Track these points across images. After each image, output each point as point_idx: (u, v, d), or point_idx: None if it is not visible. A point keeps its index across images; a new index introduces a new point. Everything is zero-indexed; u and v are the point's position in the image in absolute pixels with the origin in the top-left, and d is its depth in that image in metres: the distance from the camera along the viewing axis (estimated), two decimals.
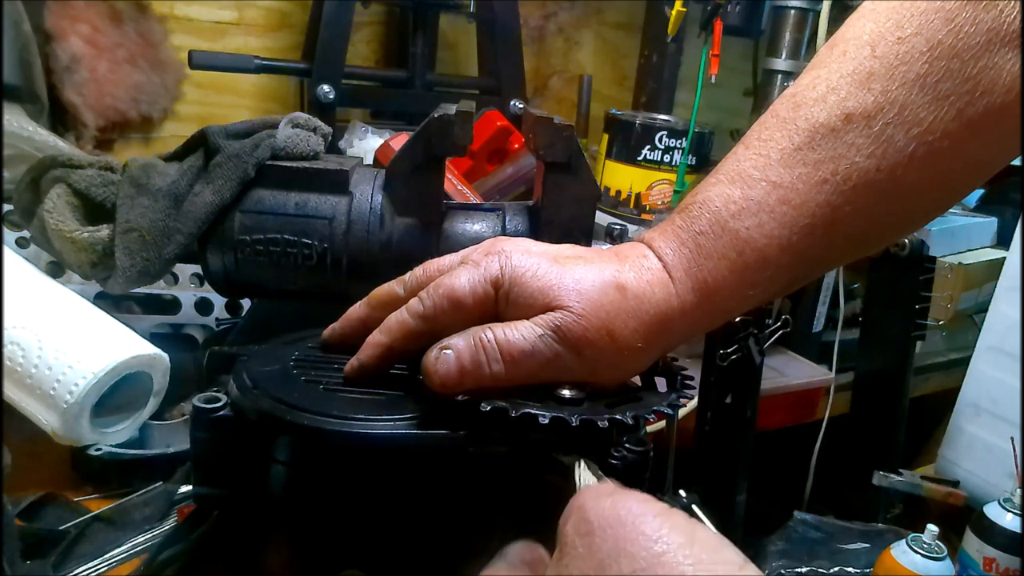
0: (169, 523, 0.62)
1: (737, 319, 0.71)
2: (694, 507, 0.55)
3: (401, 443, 0.36)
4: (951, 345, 1.20)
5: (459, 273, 0.39)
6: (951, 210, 1.21)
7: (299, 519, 0.38)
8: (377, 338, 0.40)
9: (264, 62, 1.10)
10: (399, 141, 0.88)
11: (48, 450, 0.63)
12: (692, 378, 0.42)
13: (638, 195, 1.16)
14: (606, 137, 1.20)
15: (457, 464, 0.37)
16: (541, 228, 0.59)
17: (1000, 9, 0.36)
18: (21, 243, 0.77)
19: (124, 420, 0.59)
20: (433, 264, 0.43)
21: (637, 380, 0.43)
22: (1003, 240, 1.25)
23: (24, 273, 0.61)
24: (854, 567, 0.81)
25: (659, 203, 1.16)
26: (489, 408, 0.35)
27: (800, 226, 0.38)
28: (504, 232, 0.60)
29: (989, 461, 1.00)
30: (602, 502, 0.28)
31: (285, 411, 0.36)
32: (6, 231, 0.76)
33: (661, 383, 0.43)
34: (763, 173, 0.39)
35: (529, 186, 1.03)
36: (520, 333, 0.37)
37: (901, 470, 0.94)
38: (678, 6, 1.13)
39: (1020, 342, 0.96)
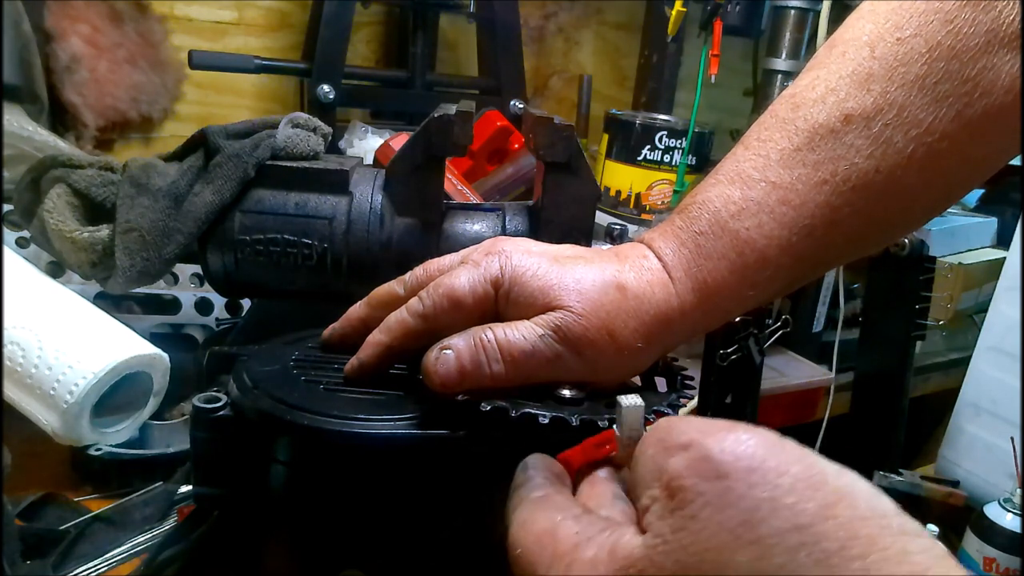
0: (169, 523, 0.62)
1: (737, 319, 0.71)
2: None
3: (401, 443, 0.36)
4: (951, 345, 1.20)
5: (459, 273, 0.39)
6: (951, 210, 1.21)
7: (299, 519, 0.38)
8: (377, 337, 0.40)
9: (264, 62, 1.10)
10: (399, 141, 0.88)
11: (48, 450, 0.63)
12: (692, 378, 0.42)
13: (638, 195, 1.16)
14: (606, 137, 1.20)
15: (457, 464, 0.37)
16: (541, 228, 0.59)
17: (999, 11, 0.36)
18: (21, 243, 0.77)
19: (124, 420, 0.59)
20: (433, 264, 0.43)
21: (637, 380, 0.43)
22: (1003, 240, 1.25)
23: (24, 273, 0.61)
24: None
25: (659, 203, 1.16)
26: (489, 408, 0.35)
27: (800, 226, 0.38)
28: (504, 232, 0.60)
29: (989, 461, 1.00)
30: (726, 440, 0.24)
31: (285, 411, 0.36)
32: (6, 231, 0.76)
33: (661, 383, 0.43)
34: (762, 174, 0.39)
35: (529, 186, 1.03)
36: (520, 333, 0.37)
37: (901, 470, 0.94)
38: (678, 6, 1.13)
39: (1020, 342, 0.96)
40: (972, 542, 0.80)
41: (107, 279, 0.60)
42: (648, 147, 1.14)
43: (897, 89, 0.37)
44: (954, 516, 0.91)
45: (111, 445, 0.64)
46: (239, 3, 1.22)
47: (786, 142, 0.39)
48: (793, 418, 0.98)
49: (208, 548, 0.42)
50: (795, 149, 0.39)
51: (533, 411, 0.34)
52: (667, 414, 0.38)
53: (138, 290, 0.68)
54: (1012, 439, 0.91)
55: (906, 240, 0.89)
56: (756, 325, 0.75)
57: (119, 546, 0.60)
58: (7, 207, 0.73)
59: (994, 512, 0.79)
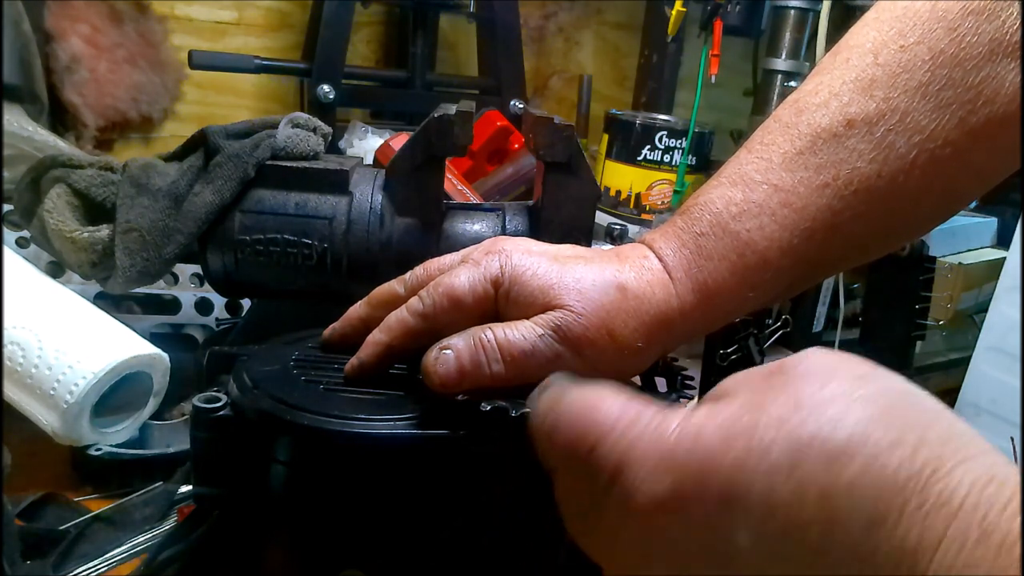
0: (169, 523, 0.62)
1: (737, 319, 0.71)
2: None
3: (401, 443, 0.36)
4: (951, 345, 1.20)
5: (459, 272, 0.39)
6: None
7: (299, 519, 0.38)
8: (377, 337, 0.40)
9: (264, 62, 1.10)
10: (399, 141, 0.88)
11: (48, 450, 0.62)
12: (692, 378, 0.43)
13: (638, 195, 1.16)
14: (606, 137, 1.20)
15: (457, 464, 0.37)
16: (541, 228, 0.59)
17: (1002, 20, 0.36)
18: (21, 243, 0.77)
19: (124, 420, 0.59)
20: (434, 263, 0.43)
21: (637, 380, 0.43)
22: (1003, 240, 1.25)
23: (24, 273, 0.61)
24: None
25: (659, 203, 1.16)
26: (489, 408, 0.35)
27: (801, 229, 0.38)
28: (504, 232, 0.60)
29: None
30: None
31: (285, 411, 0.36)
32: (6, 231, 0.76)
33: (661, 383, 0.43)
34: (765, 176, 0.39)
35: (529, 186, 1.03)
36: (520, 333, 0.37)
37: None
38: (678, 6, 1.13)
39: (1020, 342, 0.96)
40: None
41: (107, 279, 0.60)
42: (648, 147, 1.14)
43: (900, 95, 0.37)
44: None
45: (111, 445, 0.64)
46: (239, 3, 1.22)
47: (788, 145, 0.39)
48: None
49: (208, 548, 0.42)
50: (797, 152, 0.39)
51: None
52: None
53: (138, 290, 0.68)
54: (1012, 439, 0.91)
55: None
56: (756, 325, 0.75)
57: (119, 546, 0.59)
58: (7, 207, 0.73)
59: None
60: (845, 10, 1.05)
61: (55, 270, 0.75)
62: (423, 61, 1.20)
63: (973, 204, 1.32)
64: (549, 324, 0.37)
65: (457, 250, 0.43)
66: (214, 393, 0.39)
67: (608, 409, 0.26)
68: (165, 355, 0.59)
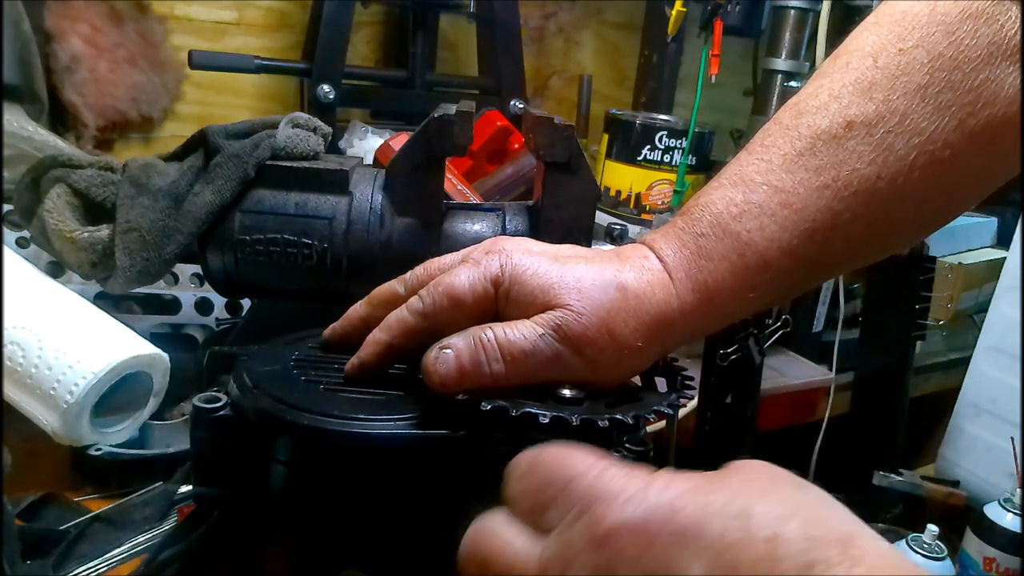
0: (169, 523, 0.62)
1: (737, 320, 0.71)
2: None
3: (401, 443, 0.36)
4: (951, 345, 1.20)
5: (459, 271, 0.39)
6: None
7: (299, 519, 0.38)
8: (377, 336, 0.40)
9: (264, 62, 1.10)
10: (399, 141, 0.88)
11: (48, 450, 0.63)
12: (692, 378, 0.42)
13: (638, 195, 1.16)
14: (606, 137, 1.20)
15: (457, 464, 0.37)
16: (541, 228, 0.59)
17: (1001, 24, 0.36)
18: (21, 243, 0.77)
19: (124, 420, 0.59)
20: (434, 263, 0.43)
21: (637, 380, 0.43)
22: (1003, 240, 1.25)
23: (24, 273, 0.61)
24: None
25: (659, 203, 1.16)
26: (489, 407, 0.35)
27: (801, 230, 0.38)
28: (504, 232, 0.60)
29: (989, 461, 1.00)
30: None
31: (285, 411, 0.36)
32: (6, 231, 0.76)
33: (661, 383, 0.43)
34: (765, 177, 0.39)
35: (529, 186, 1.03)
36: (520, 332, 0.37)
37: (901, 470, 0.94)
38: (678, 6, 1.13)
39: (1020, 342, 0.96)
40: (972, 542, 0.80)
41: (107, 279, 0.60)
42: (648, 147, 1.14)
43: (899, 98, 0.37)
44: (954, 516, 0.91)
45: (111, 445, 0.64)
46: (239, 3, 1.22)
47: (789, 147, 0.39)
48: (793, 418, 0.98)
49: (208, 548, 0.42)
50: (798, 154, 0.39)
51: (533, 410, 0.34)
52: (667, 414, 0.38)
53: (138, 290, 0.68)
54: (1012, 439, 0.91)
55: None
56: (756, 325, 0.75)
57: (119, 546, 0.60)
58: (7, 207, 0.73)
59: (994, 512, 0.79)
60: (845, 10, 1.05)
61: (55, 270, 0.75)
62: (423, 61, 1.20)
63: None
64: (549, 323, 0.37)
65: (457, 250, 0.43)
66: (214, 393, 0.39)
67: (585, 455, 0.29)
68: (165, 355, 0.59)
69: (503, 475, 0.31)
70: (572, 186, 0.58)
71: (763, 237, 0.38)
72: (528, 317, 0.37)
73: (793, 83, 1.14)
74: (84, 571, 0.57)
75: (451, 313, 0.39)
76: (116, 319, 0.61)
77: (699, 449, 0.78)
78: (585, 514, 0.26)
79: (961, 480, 1.01)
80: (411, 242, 0.59)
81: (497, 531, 0.29)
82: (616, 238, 0.71)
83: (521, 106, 1.22)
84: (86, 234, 0.58)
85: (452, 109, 0.57)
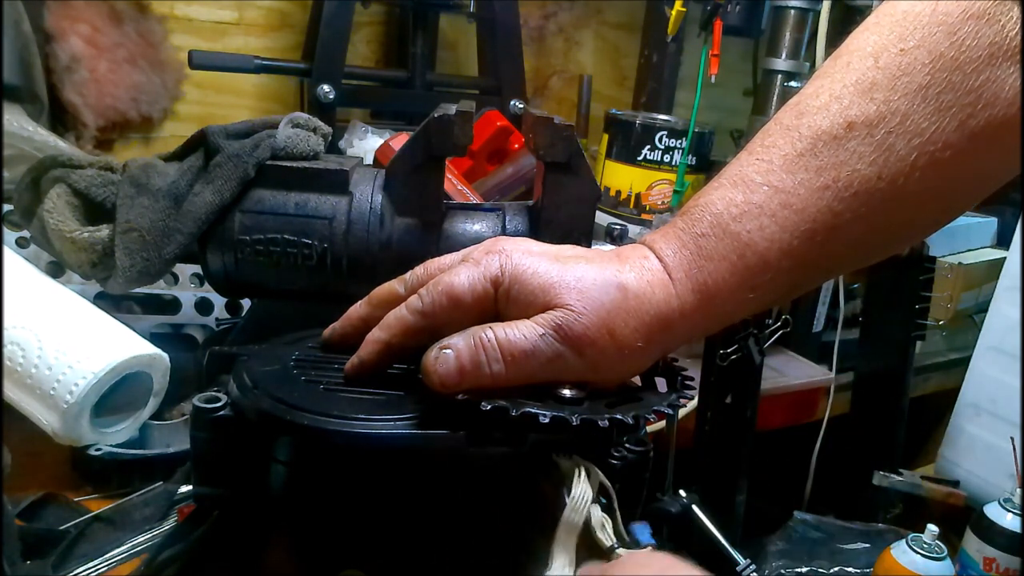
0: (169, 523, 0.62)
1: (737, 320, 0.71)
2: (694, 507, 0.55)
3: (401, 443, 0.36)
4: (951, 345, 1.20)
5: (459, 271, 0.39)
6: None
7: (299, 519, 0.38)
8: (376, 335, 0.40)
9: (264, 62, 1.10)
10: (399, 141, 0.88)
11: (48, 450, 0.62)
12: (692, 378, 0.42)
13: (638, 195, 1.16)
14: (606, 137, 1.20)
15: (457, 464, 0.37)
16: (541, 228, 0.59)
17: (1002, 24, 0.36)
18: (21, 243, 0.77)
19: (124, 420, 0.59)
20: (434, 263, 0.43)
21: (637, 380, 0.43)
22: (1003, 240, 1.25)
23: (24, 273, 0.61)
24: (854, 567, 0.81)
25: (659, 203, 1.16)
26: (489, 407, 0.35)
27: (801, 230, 0.38)
28: (504, 232, 0.60)
29: (989, 461, 1.00)
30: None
31: (285, 411, 0.36)
32: (6, 231, 0.76)
33: (661, 383, 0.43)
34: (765, 178, 0.39)
35: (529, 186, 1.03)
36: (521, 332, 0.37)
37: (901, 470, 0.94)
38: (678, 6, 1.13)
39: (1020, 342, 0.96)
40: (972, 542, 0.80)
41: (107, 279, 0.60)
42: (648, 147, 1.14)
43: (900, 98, 0.37)
44: (954, 516, 0.91)
45: (111, 445, 0.64)
46: (239, 3, 1.22)
47: (789, 147, 0.39)
48: (793, 418, 0.98)
49: (208, 548, 0.42)
50: (798, 154, 0.39)
51: (533, 410, 0.34)
52: (667, 414, 0.38)
53: (138, 290, 0.68)
54: (1012, 439, 0.91)
55: None
56: (756, 325, 0.75)
57: (119, 546, 0.59)
58: (7, 207, 0.73)
59: (994, 512, 0.79)
60: (845, 10, 1.06)
61: (55, 270, 0.75)
62: (423, 61, 1.20)
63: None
64: (550, 323, 0.37)
65: (457, 250, 0.43)
66: (214, 393, 0.39)
67: None
68: (165, 355, 0.59)
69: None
70: (572, 186, 0.58)
71: (763, 238, 0.38)
72: (528, 317, 0.37)
73: (793, 83, 1.14)
74: (84, 571, 0.57)
75: (450, 312, 0.39)
76: (116, 319, 0.61)
77: (699, 449, 0.78)
78: None
79: (961, 480, 1.01)
80: (411, 242, 0.59)
81: None
82: (616, 238, 0.71)
83: (521, 106, 1.22)
84: (86, 234, 0.58)
85: (452, 109, 0.57)
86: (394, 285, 0.43)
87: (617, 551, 0.34)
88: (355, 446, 0.36)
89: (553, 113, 0.58)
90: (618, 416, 0.36)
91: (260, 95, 1.28)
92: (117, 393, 0.56)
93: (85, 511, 0.62)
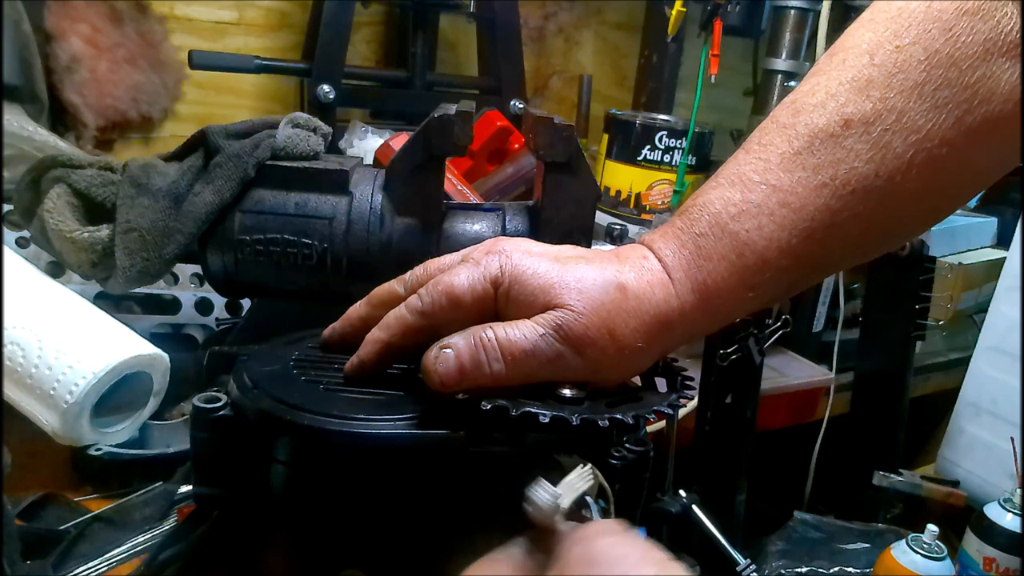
0: (169, 523, 0.62)
1: (737, 320, 0.71)
2: (694, 507, 0.55)
3: (401, 443, 0.36)
4: (951, 345, 1.20)
5: (459, 271, 0.39)
6: None
7: (299, 519, 0.38)
8: (376, 335, 0.40)
9: (264, 62, 1.10)
10: (399, 141, 0.88)
11: (48, 450, 0.63)
12: (692, 378, 0.42)
13: (638, 195, 1.16)
14: (606, 137, 1.20)
15: (457, 464, 0.37)
16: (541, 228, 0.59)
17: (997, 20, 0.36)
18: (21, 243, 0.77)
19: (124, 420, 0.59)
20: (434, 263, 0.43)
21: (637, 380, 0.43)
22: (1003, 240, 1.25)
23: (24, 273, 0.61)
24: (854, 567, 0.81)
25: (659, 203, 1.16)
26: (489, 407, 0.35)
27: (799, 229, 0.38)
28: (504, 232, 0.60)
29: (989, 461, 1.00)
30: (605, 539, 0.29)
31: (285, 411, 0.36)
32: (6, 231, 0.76)
33: (661, 383, 0.43)
34: (763, 176, 0.39)
35: (529, 186, 1.03)
36: (521, 332, 0.37)
37: (901, 470, 0.94)
38: (678, 6, 1.13)
39: (1020, 342, 0.96)
40: (972, 542, 0.80)
41: (107, 279, 0.60)
42: (648, 147, 1.14)
43: (896, 95, 0.37)
44: (954, 516, 0.91)
45: (111, 445, 0.64)
46: (239, 3, 1.22)
47: (786, 146, 0.39)
48: (793, 418, 0.98)
49: (208, 548, 0.42)
50: (795, 153, 0.39)
51: (533, 410, 0.34)
52: (667, 414, 0.38)
53: (138, 290, 0.68)
54: (1012, 439, 0.91)
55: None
56: (756, 325, 0.75)
57: (119, 546, 0.60)
58: (7, 207, 0.73)
59: (994, 512, 0.79)
60: (845, 10, 1.05)
61: (55, 270, 0.75)
62: (423, 61, 1.20)
63: (973, 204, 1.32)
64: (550, 323, 0.37)
65: (457, 250, 0.43)
66: (214, 393, 0.39)
67: None
68: (165, 355, 0.59)
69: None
70: (572, 186, 0.58)
71: (762, 236, 0.38)
72: (528, 317, 0.37)
73: (793, 83, 1.14)
74: (84, 571, 0.57)
75: (450, 312, 0.39)
76: (116, 319, 0.61)
77: (699, 449, 0.78)
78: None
79: (961, 480, 1.01)
80: (411, 242, 0.59)
81: None
82: (616, 238, 0.71)
83: (521, 106, 1.22)
84: (86, 234, 0.58)
85: (452, 109, 0.57)
86: (394, 285, 0.43)
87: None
88: (355, 446, 0.36)
89: (553, 113, 0.58)
90: (618, 416, 0.36)
91: (260, 95, 1.28)
92: (117, 393, 0.56)
93: (85, 511, 0.62)
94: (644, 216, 1.15)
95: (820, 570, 0.81)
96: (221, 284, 0.61)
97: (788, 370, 0.97)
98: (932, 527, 0.74)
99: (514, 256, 0.39)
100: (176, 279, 0.86)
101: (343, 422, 0.36)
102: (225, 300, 0.87)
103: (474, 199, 0.89)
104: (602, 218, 1.06)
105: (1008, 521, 0.78)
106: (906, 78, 0.37)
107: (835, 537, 0.85)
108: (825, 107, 0.39)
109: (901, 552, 0.74)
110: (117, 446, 0.64)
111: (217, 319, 0.87)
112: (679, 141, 1.13)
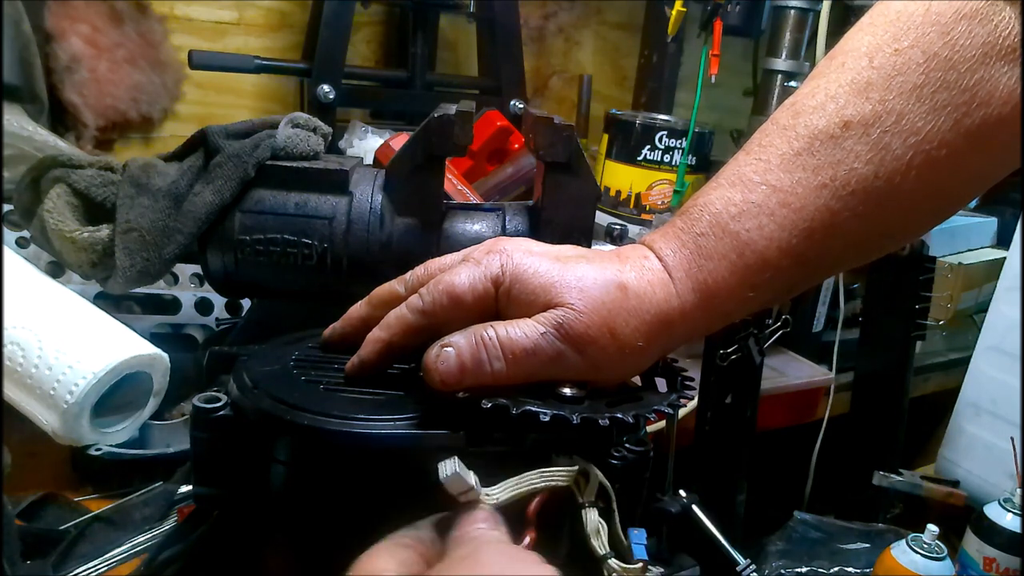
0: (169, 523, 0.62)
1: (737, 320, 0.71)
2: (694, 507, 0.55)
3: (401, 443, 0.36)
4: (951, 345, 1.20)
5: (459, 270, 0.39)
6: None
7: (299, 519, 0.38)
8: (377, 334, 0.40)
9: (264, 62, 1.10)
10: (399, 141, 0.88)
11: (48, 450, 0.63)
12: (692, 378, 0.42)
13: (638, 195, 1.16)
14: (606, 137, 1.20)
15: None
16: (541, 228, 0.59)
17: (995, 24, 0.37)
18: (21, 243, 0.77)
19: (124, 420, 0.59)
20: (435, 263, 0.43)
21: (637, 380, 0.43)
22: (1003, 240, 1.25)
23: (24, 273, 0.61)
24: (854, 567, 0.81)
25: (659, 203, 1.16)
26: (490, 405, 0.35)
27: (800, 229, 0.39)
28: (504, 232, 0.60)
29: (989, 461, 1.00)
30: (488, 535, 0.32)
31: (285, 411, 0.36)
32: (6, 231, 0.76)
33: (661, 383, 0.43)
34: (763, 177, 0.39)
35: (529, 186, 1.03)
36: (522, 331, 0.37)
37: (901, 470, 0.94)
38: (678, 6, 1.13)
39: (1020, 342, 0.96)
40: (972, 542, 0.80)
41: (107, 279, 0.60)
42: (648, 147, 1.14)
43: (895, 97, 0.38)
44: (954, 516, 0.91)
45: (111, 445, 0.64)
46: (239, 3, 1.22)
47: (786, 147, 0.39)
48: (793, 418, 0.98)
49: (208, 548, 0.42)
50: (795, 154, 0.39)
51: (534, 409, 0.34)
52: (668, 414, 0.38)
53: (138, 290, 0.68)
54: (1012, 439, 0.91)
55: None
56: (756, 325, 0.75)
57: (119, 546, 0.60)
58: (7, 207, 0.73)
59: (994, 512, 0.79)
60: (845, 10, 1.05)
61: (55, 270, 0.75)
62: (423, 61, 1.20)
63: (973, 204, 1.32)
64: (551, 322, 0.37)
65: (457, 250, 0.43)
66: (214, 393, 0.39)
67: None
68: (165, 355, 0.59)
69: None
70: (572, 186, 0.58)
71: (762, 236, 0.38)
72: (529, 316, 0.37)
73: (793, 83, 1.14)
74: (84, 571, 0.57)
75: (450, 312, 0.39)
76: (116, 319, 0.61)
77: (699, 449, 0.78)
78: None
79: (961, 480, 1.01)
80: (411, 242, 0.59)
81: None
82: (616, 238, 0.71)
83: (521, 106, 1.22)
84: (86, 234, 0.58)
85: (452, 109, 0.57)
86: (394, 285, 0.43)
87: (610, 561, 0.34)
88: (355, 446, 0.36)
89: (553, 113, 0.58)
90: (618, 415, 0.36)
91: (260, 95, 1.28)
92: (117, 393, 0.56)
93: (85, 511, 0.62)
94: (644, 216, 1.15)
95: (820, 570, 0.81)
96: (221, 284, 0.61)
97: (788, 370, 0.97)
98: (932, 527, 0.74)
99: (515, 255, 0.39)
100: (176, 279, 0.86)
101: (343, 422, 0.36)
102: (225, 300, 0.87)
103: (474, 199, 0.89)
104: (602, 218, 1.06)
105: (1008, 521, 0.78)
106: (905, 81, 0.38)
107: (835, 537, 0.85)
108: (825, 109, 0.39)
109: (901, 552, 0.74)
110: (117, 446, 0.64)
111: (217, 319, 0.87)
112: (679, 141, 1.13)
